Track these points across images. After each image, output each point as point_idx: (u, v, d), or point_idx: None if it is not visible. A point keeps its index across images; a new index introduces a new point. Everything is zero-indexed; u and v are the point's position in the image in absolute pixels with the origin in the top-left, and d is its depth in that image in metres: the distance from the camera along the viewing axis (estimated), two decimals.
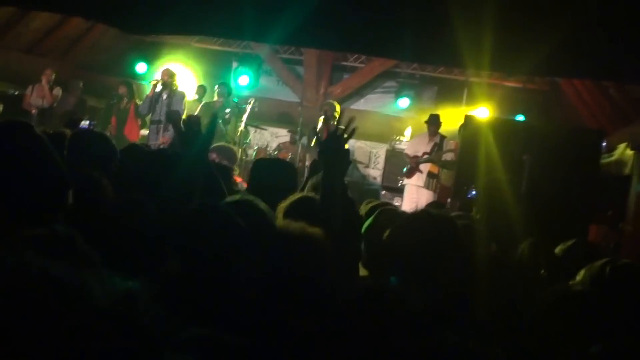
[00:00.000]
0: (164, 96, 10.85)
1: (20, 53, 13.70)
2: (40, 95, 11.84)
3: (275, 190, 3.34)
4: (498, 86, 13.26)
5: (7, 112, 11.25)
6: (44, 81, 11.88)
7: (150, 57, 13.88)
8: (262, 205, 2.69)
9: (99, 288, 0.91)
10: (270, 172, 4.12)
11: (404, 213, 3.56)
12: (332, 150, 2.99)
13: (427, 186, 10.69)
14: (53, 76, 12.04)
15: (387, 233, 2.57)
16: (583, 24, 4.80)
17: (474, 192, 7.10)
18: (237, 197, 2.80)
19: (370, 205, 4.07)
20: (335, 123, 3.48)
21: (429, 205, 7.67)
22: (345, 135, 2.98)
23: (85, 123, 10.23)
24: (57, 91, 12.13)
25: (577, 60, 5.48)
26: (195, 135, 3.12)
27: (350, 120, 3.01)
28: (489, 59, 5.29)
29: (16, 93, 12.34)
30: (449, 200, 9.45)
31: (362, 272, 3.17)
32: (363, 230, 3.22)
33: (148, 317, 0.93)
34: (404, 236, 2.48)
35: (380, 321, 1.64)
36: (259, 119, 12.44)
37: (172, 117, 10.05)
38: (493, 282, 2.09)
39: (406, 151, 11.41)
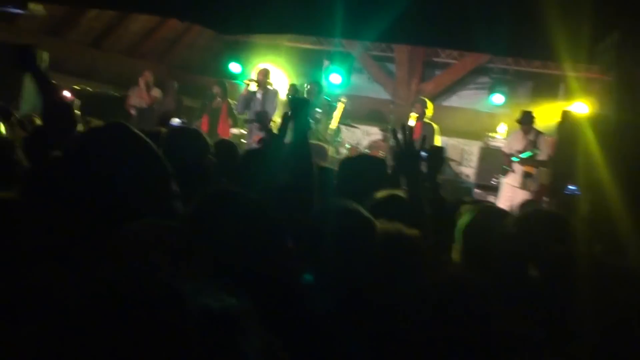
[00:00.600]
0: (259, 95, 10.98)
1: (121, 55, 14.22)
2: (139, 97, 12.21)
3: (366, 188, 3.28)
4: (597, 80, 12.73)
5: (108, 113, 11.65)
6: (142, 83, 12.26)
7: (243, 57, 14.07)
8: (365, 212, 2.56)
9: (194, 308, 0.84)
10: (359, 170, 4.03)
11: (506, 212, 3.44)
12: (409, 159, 2.99)
13: (522, 186, 10.28)
14: (152, 78, 12.40)
15: (492, 233, 2.48)
16: None
17: (572, 188, 6.85)
18: (338, 204, 2.63)
19: (469, 204, 3.96)
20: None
21: (524, 204, 7.46)
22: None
23: (176, 121, 10.50)
24: (156, 92, 12.48)
25: None
26: (303, 104, 3.15)
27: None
28: (588, 51, 5.10)
29: (117, 95, 12.77)
30: (545, 198, 9.17)
31: None
32: (461, 227, 3.12)
33: (248, 344, 0.85)
34: (515, 237, 2.38)
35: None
36: (350, 117, 12.40)
37: (261, 118, 10.18)
38: (599, 291, 1.90)
39: (502, 149, 11.07)
